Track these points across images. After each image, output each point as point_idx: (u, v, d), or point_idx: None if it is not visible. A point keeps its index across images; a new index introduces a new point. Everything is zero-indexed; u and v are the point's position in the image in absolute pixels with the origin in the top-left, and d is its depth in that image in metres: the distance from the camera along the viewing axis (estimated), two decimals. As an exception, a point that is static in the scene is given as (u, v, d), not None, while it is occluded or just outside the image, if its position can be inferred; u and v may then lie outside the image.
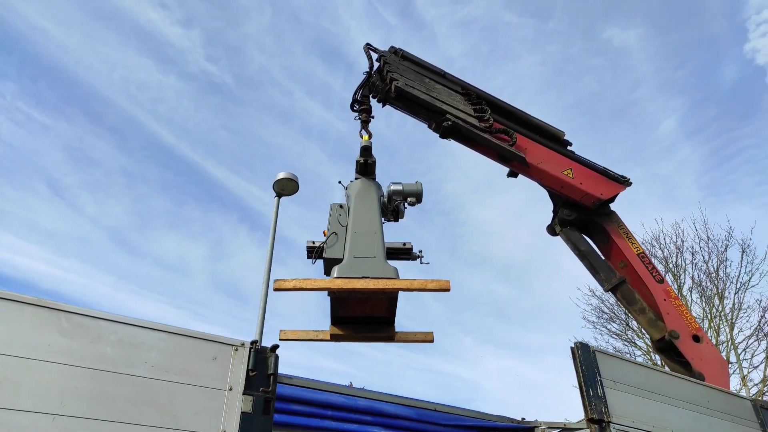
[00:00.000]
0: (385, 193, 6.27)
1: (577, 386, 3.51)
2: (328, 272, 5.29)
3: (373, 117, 6.94)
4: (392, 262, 5.74)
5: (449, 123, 6.66)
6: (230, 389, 2.99)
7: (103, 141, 33.25)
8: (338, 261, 5.09)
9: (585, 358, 3.58)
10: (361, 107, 6.77)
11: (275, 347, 3.31)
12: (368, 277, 4.78)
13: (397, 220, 6.49)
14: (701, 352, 5.96)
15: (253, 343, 3.22)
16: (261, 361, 3.18)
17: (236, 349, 3.13)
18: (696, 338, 6.08)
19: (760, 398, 4.89)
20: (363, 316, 5.21)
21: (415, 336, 5.35)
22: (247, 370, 3.08)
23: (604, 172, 6.97)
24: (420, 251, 6.04)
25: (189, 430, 2.69)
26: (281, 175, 10.75)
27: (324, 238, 5.52)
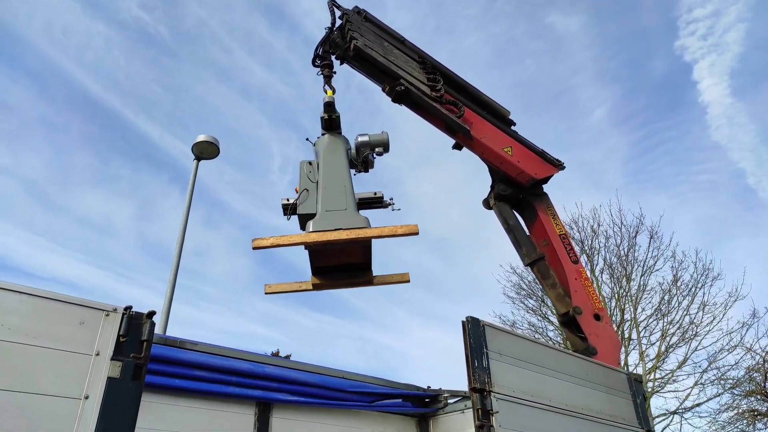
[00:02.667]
0: (353, 146, 6.33)
1: (464, 357, 3.76)
2: (303, 227, 5.39)
3: (335, 72, 6.87)
4: (365, 212, 5.87)
5: (402, 88, 6.69)
6: (97, 354, 2.86)
7: (20, 86, 29.91)
8: (312, 216, 5.21)
9: (474, 332, 3.82)
10: (323, 62, 6.72)
11: (152, 313, 3.17)
12: (341, 229, 4.94)
13: (368, 171, 6.54)
14: (599, 330, 6.40)
15: (126, 308, 3.09)
16: (135, 327, 3.05)
17: (107, 315, 3.00)
18: (597, 317, 6.51)
19: (634, 372, 5.36)
20: (341, 264, 5.38)
21: (392, 278, 5.55)
22: (118, 336, 2.95)
23: (542, 154, 7.16)
24: (391, 198, 6.14)
25: (48, 395, 2.62)
26: (201, 138, 10.27)
27: (297, 196, 5.58)
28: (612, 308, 16.76)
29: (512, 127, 7.47)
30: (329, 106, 5.95)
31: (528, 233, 7.26)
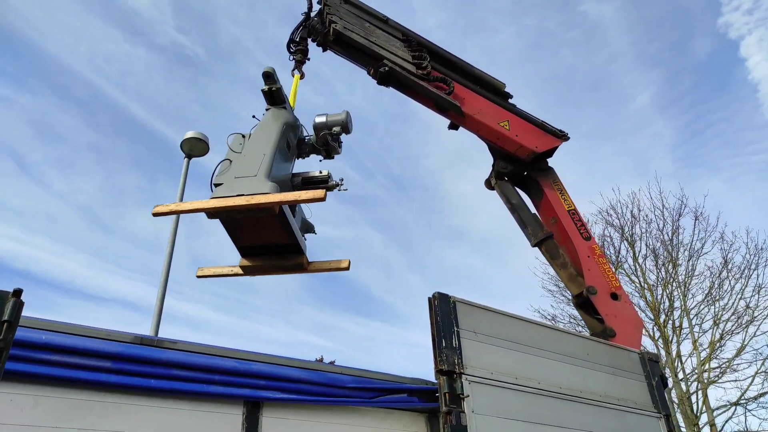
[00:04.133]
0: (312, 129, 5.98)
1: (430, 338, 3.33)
2: None
3: (308, 59, 6.61)
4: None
5: (386, 69, 6.36)
6: None
7: (70, 115, 31.53)
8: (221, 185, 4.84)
9: (443, 309, 3.38)
10: (297, 48, 6.48)
11: (18, 292, 2.97)
12: (243, 195, 4.55)
13: (331, 156, 6.16)
14: (616, 310, 5.78)
15: None
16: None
17: None
18: (614, 296, 5.89)
19: (649, 352, 4.73)
20: (267, 244, 5.06)
21: (329, 265, 5.21)
22: None
23: (542, 126, 6.62)
24: (341, 179, 5.70)
25: None
26: (189, 134, 9.91)
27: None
28: (659, 296, 15.71)
29: (510, 101, 6.98)
30: (268, 78, 5.48)
31: (535, 212, 6.73)
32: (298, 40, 6.55)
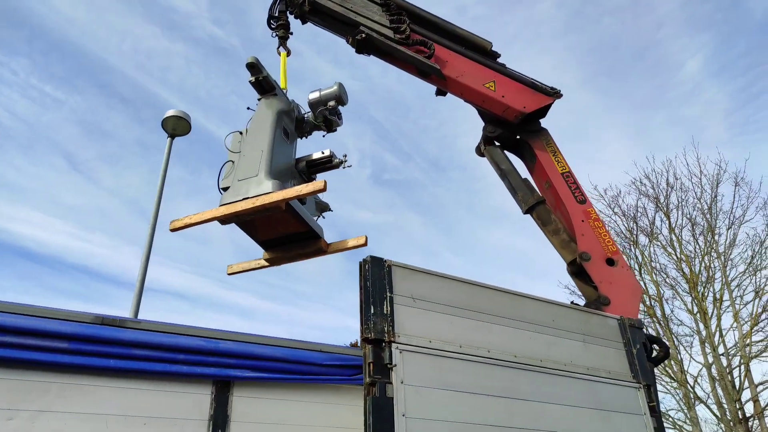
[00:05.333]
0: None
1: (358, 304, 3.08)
2: None
3: (291, 33, 6.46)
4: (321, 176, 5.70)
5: (362, 36, 6.08)
6: None
7: (116, 112, 32.56)
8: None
9: (374, 273, 3.12)
10: (278, 23, 6.31)
11: None
12: (249, 197, 4.65)
13: (333, 129, 6.09)
14: (612, 276, 5.34)
15: None
16: None
17: None
18: (610, 261, 5.45)
19: (630, 318, 4.27)
20: (285, 235, 5.18)
21: (347, 244, 5.32)
22: None
23: (532, 84, 6.17)
24: (344, 156, 5.73)
25: None
26: (171, 113, 9.67)
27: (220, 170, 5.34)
28: (698, 267, 14.79)
29: (499, 60, 6.54)
30: (252, 68, 5.43)
31: (529, 177, 6.32)
32: (277, 15, 6.38)
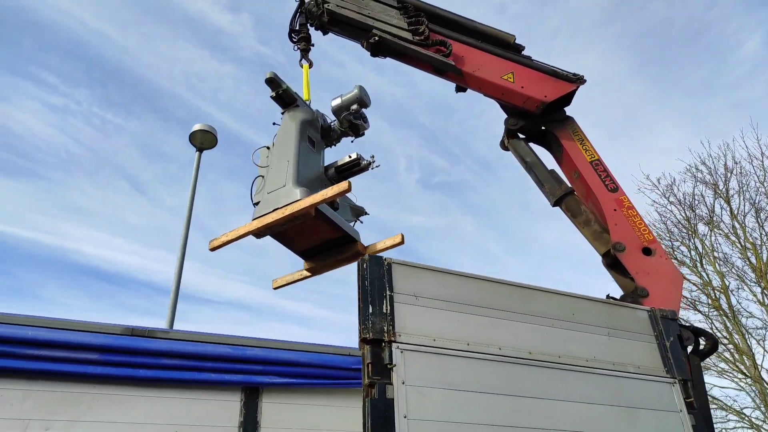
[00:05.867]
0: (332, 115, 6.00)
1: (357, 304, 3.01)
2: None
3: (313, 45, 6.56)
4: (353, 179, 5.71)
5: (375, 39, 6.07)
6: None
7: (173, 134, 34.10)
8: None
9: (373, 272, 3.04)
10: (299, 36, 6.40)
11: None
12: (278, 208, 4.71)
13: (360, 134, 6.17)
14: (649, 266, 5.00)
15: None
16: None
17: None
18: (647, 251, 5.11)
19: (662, 309, 3.96)
20: (322, 242, 5.22)
21: (384, 244, 5.37)
22: None
23: (553, 72, 5.93)
24: (372, 157, 5.77)
25: None
26: (197, 127, 9.87)
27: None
28: (765, 255, 13.76)
29: (523, 53, 6.34)
30: (271, 83, 5.55)
31: (557, 169, 6.05)
32: (298, 28, 6.48)
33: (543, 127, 6.12)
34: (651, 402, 3.33)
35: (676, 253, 14.62)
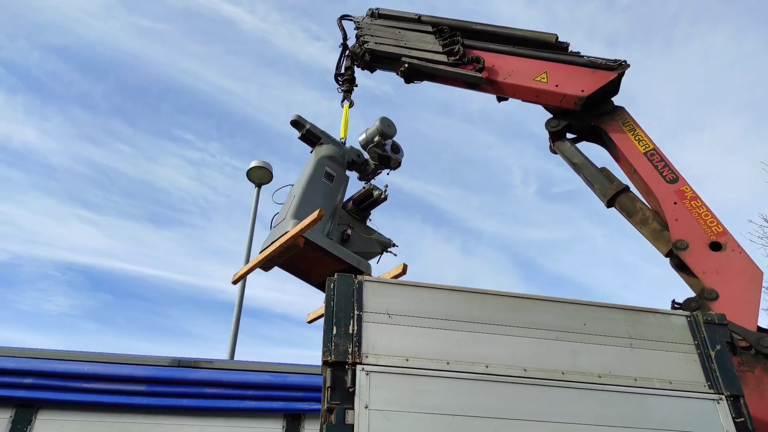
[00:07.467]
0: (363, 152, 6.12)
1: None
2: None
3: (356, 86, 6.78)
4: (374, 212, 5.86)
5: (405, 66, 6.11)
6: None
7: (291, 173, 36.45)
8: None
9: (341, 291, 2.88)
10: (344, 79, 6.69)
11: None
12: (275, 240, 4.85)
13: (392, 165, 6.19)
14: (719, 263, 4.20)
15: None
16: None
17: None
18: (715, 246, 4.32)
19: (708, 313, 3.20)
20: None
21: (389, 274, 5.35)
22: None
23: (590, 64, 5.38)
24: (385, 186, 5.77)
25: None
26: (254, 164, 10.29)
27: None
28: None
29: (569, 50, 5.85)
30: (297, 125, 5.79)
31: (616, 166, 5.42)
32: (343, 71, 6.68)
33: (591, 123, 5.54)
34: (686, 422, 2.72)
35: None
